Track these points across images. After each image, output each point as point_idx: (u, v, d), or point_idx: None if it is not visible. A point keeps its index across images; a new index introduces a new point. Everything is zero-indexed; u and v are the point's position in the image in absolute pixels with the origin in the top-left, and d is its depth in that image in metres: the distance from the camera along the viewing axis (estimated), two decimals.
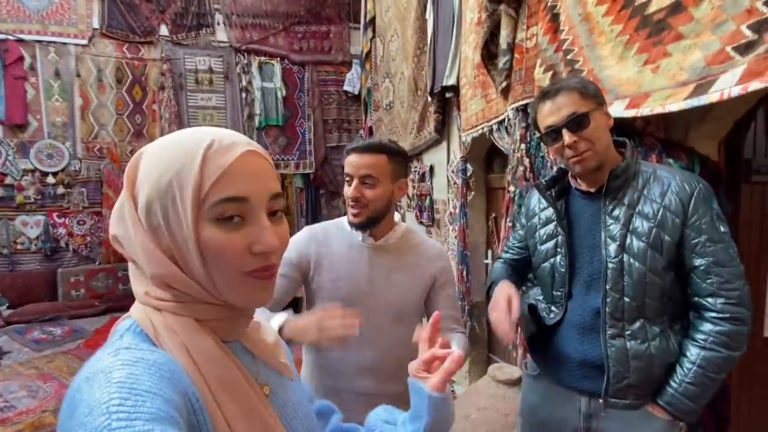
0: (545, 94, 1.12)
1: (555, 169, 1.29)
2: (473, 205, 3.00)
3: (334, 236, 1.23)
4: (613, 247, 1.08)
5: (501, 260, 1.42)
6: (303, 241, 1.22)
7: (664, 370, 1.07)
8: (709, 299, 1.03)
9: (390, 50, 4.18)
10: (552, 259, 1.20)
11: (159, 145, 0.51)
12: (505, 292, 1.16)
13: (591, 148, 1.07)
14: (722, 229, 1.04)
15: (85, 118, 5.15)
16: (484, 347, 3.15)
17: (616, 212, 1.10)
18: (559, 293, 1.19)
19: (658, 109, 1.29)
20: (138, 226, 0.49)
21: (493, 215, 3.00)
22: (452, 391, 3.12)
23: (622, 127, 1.58)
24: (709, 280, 1.02)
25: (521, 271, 1.38)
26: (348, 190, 1.16)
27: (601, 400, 1.10)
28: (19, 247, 5.03)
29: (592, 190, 1.15)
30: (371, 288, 1.19)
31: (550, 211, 1.22)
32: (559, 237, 1.18)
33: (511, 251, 1.40)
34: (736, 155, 1.55)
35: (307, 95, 5.83)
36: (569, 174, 1.21)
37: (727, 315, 1.01)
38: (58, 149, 5.09)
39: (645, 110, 1.34)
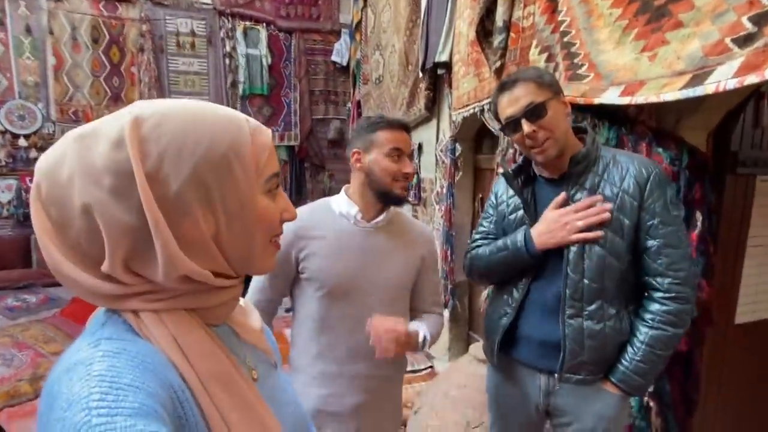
0: (503, 86, 1.15)
1: (520, 158, 1.30)
2: (460, 186, 2.99)
3: (322, 222, 1.19)
4: None
5: (476, 245, 1.37)
6: (289, 230, 1.16)
7: (616, 349, 1.13)
8: (658, 278, 1.09)
9: (381, 21, 4.06)
10: None
11: (178, 115, 0.46)
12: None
13: (550, 137, 1.10)
14: (674, 212, 1.10)
15: (58, 78, 4.90)
16: (465, 325, 3.21)
17: (578, 196, 1.14)
18: (524, 280, 1.22)
19: (652, 98, 1.29)
20: (164, 211, 0.44)
21: (480, 196, 3.01)
22: (431, 367, 3.20)
23: (615, 114, 1.57)
24: (659, 261, 1.08)
25: None
26: (399, 168, 1.15)
27: (556, 375, 1.16)
28: None
29: (555, 176, 1.19)
30: (364, 271, 1.17)
31: (518, 199, 1.25)
32: (527, 225, 1.21)
33: (484, 236, 1.37)
34: (723, 146, 1.56)
35: (293, 64, 5.65)
36: (533, 162, 1.23)
37: (673, 294, 1.07)
38: (30, 110, 4.86)
39: (639, 98, 1.33)
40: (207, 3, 5.24)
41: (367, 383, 1.19)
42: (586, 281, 1.11)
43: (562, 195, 1.14)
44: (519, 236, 1.20)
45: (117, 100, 5.10)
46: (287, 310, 1.60)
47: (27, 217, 4.98)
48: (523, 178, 1.25)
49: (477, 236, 1.39)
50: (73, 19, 4.87)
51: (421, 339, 1.16)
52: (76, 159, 0.44)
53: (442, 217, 3.00)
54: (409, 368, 3.18)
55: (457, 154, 2.90)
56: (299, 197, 5.65)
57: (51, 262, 0.45)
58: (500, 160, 2.16)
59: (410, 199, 3.62)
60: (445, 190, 2.95)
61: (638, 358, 1.09)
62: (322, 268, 1.15)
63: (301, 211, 1.23)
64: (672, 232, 1.08)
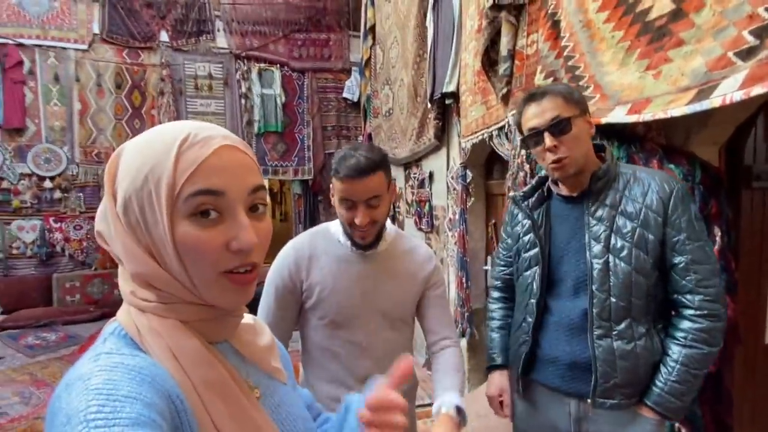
0: (531, 97, 1.15)
1: (535, 179, 1.30)
2: (473, 212, 3.00)
3: (320, 249, 1.18)
4: (598, 248, 1.11)
5: (496, 285, 1.43)
6: (290, 262, 1.16)
7: (649, 370, 1.09)
8: (688, 296, 1.06)
9: (390, 57, 4.20)
10: (536, 267, 1.21)
11: (137, 141, 0.50)
12: (496, 387, 1.34)
13: (570, 154, 1.10)
14: (699, 228, 1.08)
15: (83, 122, 5.14)
16: (483, 353, 3.13)
17: (599, 213, 1.12)
18: (533, 301, 1.21)
19: (659, 114, 1.30)
20: (117, 223, 0.48)
21: (493, 221, 3.00)
22: None
23: (623, 132, 1.58)
24: (688, 278, 1.05)
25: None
26: (352, 216, 1.07)
27: (589, 401, 1.12)
28: (14, 251, 4.99)
29: (574, 194, 1.18)
30: (363, 298, 1.16)
31: (529, 221, 1.24)
32: (539, 245, 1.20)
33: (503, 267, 1.40)
34: (736, 161, 1.55)
35: (306, 102, 5.85)
36: (550, 179, 1.23)
37: (705, 312, 1.04)
38: (55, 153, 5.07)
39: (647, 116, 1.34)
40: (224, 48, 5.51)
41: None
42: (613, 299, 1.08)
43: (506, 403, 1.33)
44: (491, 355, 1.37)
45: None
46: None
47: (50, 256, 5.10)
48: (536, 198, 1.24)
49: (500, 266, 1.40)
50: (99, 67, 5.16)
51: (455, 414, 1.03)
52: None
53: (455, 243, 2.99)
54: (428, 400, 3.09)
55: (468, 180, 2.92)
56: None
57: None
58: (511, 184, 2.17)
59: (423, 227, 3.63)
60: (457, 217, 2.96)
61: (673, 379, 1.05)
62: (324, 297, 1.14)
63: (303, 237, 1.22)
64: (699, 248, 1.06)
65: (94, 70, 5.14)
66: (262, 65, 5.63)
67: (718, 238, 1.43)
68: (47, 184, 5.06)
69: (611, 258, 1.09)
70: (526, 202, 1.24)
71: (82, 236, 5.23)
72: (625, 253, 1.08)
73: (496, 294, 1.43)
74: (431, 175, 3.49)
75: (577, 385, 1.14)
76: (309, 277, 1.15)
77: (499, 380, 1.35)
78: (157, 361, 0.46)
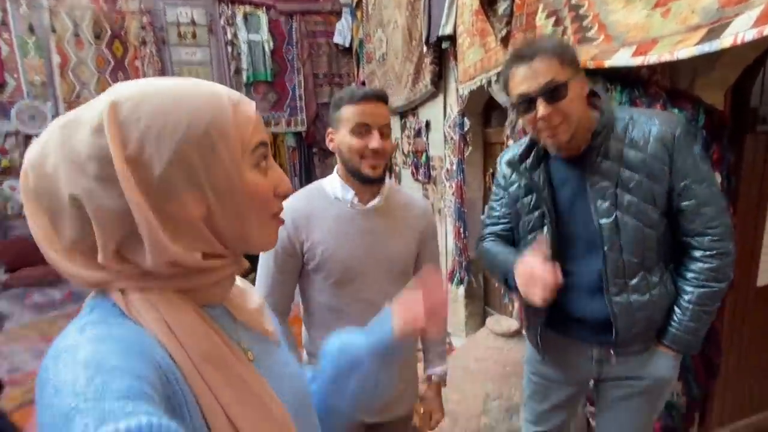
0: (520, 57, 1.03)
1: (526, 138, 1.21)
2: (470, 161, 2.96)
3: (319, 209, 1.16)
4: (604, 206, 1.07)
5: (489, 235, 1.32)
6: (288, 224, 1.12)
7: (665, 313, 1.12)
8: (697, 238, 1.06)
9: None
10: (538, 232, 1.17)
11: (156, 96, 0.45)
12: (531, 263, 1.06)
13: (565, 121, 1.02)
14: (704, 167, 1.06)
15: (64, 76, 4.93)
16: (481, 301, 3.22)
17: (603, 167, 1.07)
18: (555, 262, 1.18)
19: (666, 56, 1.24)
20: (148, 196, 0.43)
21: (491, 171, 2.97)
22: (449, 343, 3.22)
23: (627, 76, 1.52)
24: (697, 221, 1.05)
25: (512, 241, 1.31)
26: (365, 143, 1.07)
27: (612, 351, 1.16)
28: (9, 212, 4.96)
29: (574, 154, 1.10)
30: (368, 256, 1.15)
31: (527, 181, 1.17)
32: (544, 206, 1.15)
33: (497, 222, 1.32)
34: (742, 104, 1.51)
35: (295, 48, 5.59)
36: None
37: (714, 251, 1.05)
38: (39, 110, 4.90)
39: (653, 58, 1.28)
40: None
41: None
42: (625, 257, 1.07)
43: (541, 238, 1.12)
44: (509, 265, 1.12)
45: None
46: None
47: None
48: (533, 158, 1.16)
49: (488, 222, 1.33)
50: (75, 16, 4.87)
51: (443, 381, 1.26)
52: (59, 148, 0.43)
53: (453, 194, 2.97)
54: None
55: (465, 129, 2.85)
56: (308, 182, 5.64)
57: (41, 249, 0.45)
58: (510, 133, 2.12)
59: (420, 177, 3.60)
60: (455, 167, 2.92)
61: (687, 318, 1.08)
62: (328, 258, 1.13)
63: (297, 197, 1.18)
64: (705, 189, 1.04)
65: (70, 18, 4.86)
66: (247, 8, 5.32)
67: (718, 183, 1.42)
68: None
69: (619, 215, 1.06)
70: (522, 165, 1.17)
71: None
72: (633, 208, 1.05)
73: (489, 241, 1.33)
74: (428, 124, 3.41)
75: (599, 336, 1.16)
76: (309, 238, 1.13)
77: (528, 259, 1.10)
78: (147, 330, 0.44)
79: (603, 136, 1.06)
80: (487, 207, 1.37)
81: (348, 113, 1.08)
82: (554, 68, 0.99)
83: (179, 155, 0.44)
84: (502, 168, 1.28)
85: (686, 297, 1.08)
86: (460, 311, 3.20)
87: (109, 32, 5.00)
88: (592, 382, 1.31)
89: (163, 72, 5.09)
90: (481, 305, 3.22)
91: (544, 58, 1.00)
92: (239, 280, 0.60)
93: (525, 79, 1.01)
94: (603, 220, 1.07)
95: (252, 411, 0.48)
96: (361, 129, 1.08)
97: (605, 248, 1.08)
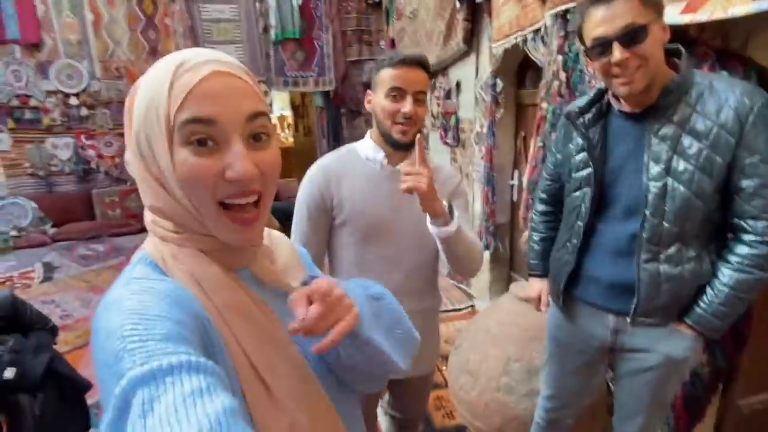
0: None
1: (593, 90, 1.17)
2: (502, 124, 2.88)
3: (349, 167, 1.19)
4: (656, 170, 1.02)
5: (543, 196, 1.40)
6: (319, 180, 1.18)
7: (693, 291, 1.07)
8: (750, 221, 0.99)
9: None
10: (586, 189, 1.15)
11: (147, 73, 0.51)
12: (536, 290, 1.43)
13: (642, 67, 0.95)
14: None
15: (98, 34, 5.00)
16: (506, 266, 3.22)
17: (663, 131, 1.01)
18: (579, 224, 1.18)
19: (718, 14, 1.15)
20: (133, 155, 0.51)
21: (522, 134, 2.89)
22: (473, 306, 3.27)
23: (673, 34, 1.43)
24: (754, 202, 0.97)
25: (561, 199, 1.33)
26: (398, 107, 1.09)
27: (628, 319, 1.13)
28: (53, 169, 5.21)
29: (638, 110, 1.05)
30: (394, 215, 1.18)
31: (583, 138, 1.15)
32: (592, 166, 1.13)
33: (551, 182, 1.37)
34: None
35: (324, 4, 5.44)
36: (609, 92, 1.11)
37: (766, 238, 0.98)
38: (76, 69, 5.03)
39: (704, 15, 1.20)
40: None
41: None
42: (666, 224, 1.03)
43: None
44: (533, 265, 1.43)
45: (155, 54, 5.17)
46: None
47: (87, 173, 5.31)
48: (592, 113, 1.12)
49: (546, 181, 1.38)
50: None
51: (447, 207, 1.09)
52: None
53: (482, 158, 2.93)
54: (450, 307, 3.28)
55: (498, 90, 2.76)
56: (336, 143, 5.66)
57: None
58: (544, 94, 2.04)
59: (448, 140, 3.54)
60: (485, 130, 2.86)
61: (719, 301, 1.03)
62: (355, 212, 1.17)
63: (329, 157, 1.24)
64: None
65: None
66: None
67: None
68: (73, 101, 5.09)
69: (670, 181, 1.01)
70: (581, 119, 1.13)
71: (114, 152, 5.38)
72: (686, 176, 0.99)
73: (541, 207, 1.41)
74: (458, 85, 3.32)
75: (617, 303, 1.15)
76: (339, 192, 1.17)
77: (538, 284, 1.42)
78: (183, 286, 0.50)
79: (673, 97, 0.99)
80: (543, 165, 1.41)
81: (385, 76, 1.11)
82: (634, 9, 0.92)
83: (137, 131, 0.50)
84: (562, 122, 1.27)
85: (723, 279, 1.02)
86: (485, 275, 3.22)
87: None
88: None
89: (192, 29, 5.08)
90: (506, 270, 3.23)
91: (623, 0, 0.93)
92: (268, 238, 0.62)
93: (603, 21, 0.95)
94: (652, 184, 1.03)
95: (274, 360, 0.52)
96: (395, 93, 1.10)
97: (647, 212, 1.04)
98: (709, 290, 1.05)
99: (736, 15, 1.10)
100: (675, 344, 1.12)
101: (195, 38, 5.08)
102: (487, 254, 3.12)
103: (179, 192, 0.49)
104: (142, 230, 4.16)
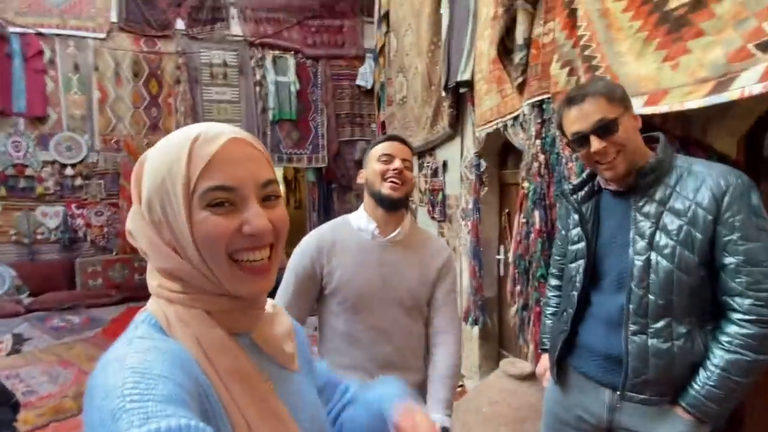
0: (571, 100, 1.11)
1: (586, 172, 1.27)
2: (486, 201, 3.00)
3: (342, 237, 1.24)
4: (641, 245, 1.08)
5: (553, 271, 1.45)
6: (313, 248, 1.22)
7: (686, 370, 1.05)
8: (737, 299, 1.00)
9: (404, 45, 4.17)
10: (581, 261, 1.21)
11: (158, 145, 0.54)
12: (544, 367, 1.38)
13: (621, 153, 1.07)
14: (759, 225, 0.99)
15: (103, 111, 5.24)
16: (495, 342, 3.16)
17: (646, 209, 1.09)
18: (574, 293, 1.22)
19: (676, 106, 1.29)
20: (143, 222, 0.53)
21: (506, 211, 3.00)
22: (462, 385, 3.15)
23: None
24: (738, 279, 0.99)
25: None
26: (387, 167, 1.20)
27: (618, 393, 1.13)
28: (39, 237, 5.17)
29: (622, 189, 1.14)
30: (384, 285, 1.20)
31: (577, 215, 1.24)
32: (585, 240, 1.20)
33: (559, 257, 1.42)
34: (755, 153, 1.53)
35: (320, 89, 5.85)
36: (598, 175, 1.20)
37: (754, 317, 0.98)
38: (76, 142, 5.19)
39: (663, 107, 1.33)
40: (239, 35, 5.53)
41: None
42: (651, 297, 1.06)
43: (544, 370, 1.36)
44: (544, 341, 1.40)
45: (155, 129, 5.40)
46: (315, 329, 1.63)
47: (72, 241, 5.27)
48: (585, 191, 1.23)
49: (556, 256, 1.42)
50: (116, 56, 5.23)
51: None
52: None
53: (468, 232, 3.00)
54: None
55: (482, 169, 2.91)
56: (326, 217, 5.76)
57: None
58: (525, 174, 2.16)
59: (436, 215, 3.64)
60: (471, 206, 2.96)
61: (711, 383, 1.01)
62: (345, 282, 1.19)
63: (325, 227, 1.29)
64: (756, 248, 0.98)
65: (113, 58, 5.22)
66: (277, 53, 5.65)
67: None
68: (68, 171, 5.20)
69: (653, 255, 1.06)
70: (575, 196, 1.23)
71: (103, 222, 5.38)
72: (668, 250, 1.04)
73: (553, 282, 1.45)
74: (445, 164, 3.49)
75: (611, 376, 1.14)
76: (330, 262, 1.20)
77: (547, 360, 1.39)
78: (184, 348, 0.49)
79: (652, 178, 1.08)
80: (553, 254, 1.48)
81: (376, 150, 1.24)
82: (603, 107, 1.06)
83: (148, 198, 0.52)
84: (561, 202, 1.39)
85: (714, 360, 1.01)
86: (474, 352, 3.14)
87: (147, 71, 5.34)
88: None
89: (194, 108, 5.37)
90: (495, 347, 3.16)
91: (592, 99, 1.07)
92: (269, 304, 0.63)
93: (577, 120, 1.09)
94: (636, 257, 1.08)
95: (274, 426, 0.51)
96: (385, 158, 1.22)
97: (632, 284, 1.08)
98: (702, 371, 1.03)
99: (691, 107, 1.23)
100: (672, 427, 1.08)
101: (195, 116, 5.35)
102: (475, 330, 3.07)
103: (195, 253, 0.50)
104: (123, 301, 4.04)
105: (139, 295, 4.57)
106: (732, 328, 1.00)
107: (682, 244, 1.03)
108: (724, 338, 1.01)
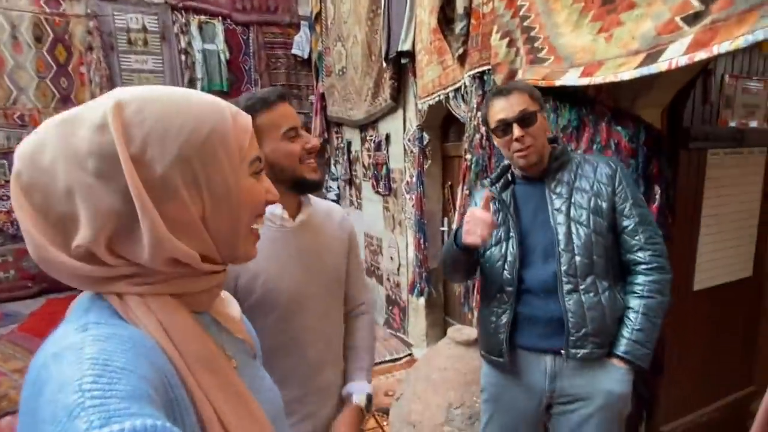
0: (499, 92, 1.27)
1: (500, 167, 1.41)
2: (430, 174, 3.02)
3: None
4: (560, 217, 1.25)
5: None
6: None
7: (614, 323, 1.21)
8: (639, 253, 1.21)
9: (342, 12, 4.01)
10: (504, 243, 1.31)
11: (159, 100, 0.46)
12: (474, 211, 1.22)
13: (533, 144, 1.23)
14: (640, 197, 1.27)
15: (0, 81, 4.60)
16: (441, 311, 3.26)
17: (558, 189, 1.27)
18: (509, 271, 1.28)
19: (610, 77, 1.33)
20: (152, 195, 0.44)
21: (449, 183, 3.05)
22: (410, 354, 3.24)
23: (575, 95, 1.62)
24: (637, 237, 1.21)
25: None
26: (302, 143, 0.99)
27: (563, 352, 1.22)
28: None
29: (535, 176, 1.30)
30: (309, 276, 1.04)
31: (498, 203, 1.34)
32: (510, 222, 1.30)
33: None
34: (676, 123, 1.64)
35: (252, 59, 5.51)
36: (512, 167, 1.35)
37: (655, 265, 1.20)
38: None
39: (598, 78, 1.38)
40: None
41: (336, 389, 1.11)
42: (577, 257, 1.21)
43: (487, 193, 1.23)
44: (454, 233, 1.31)
45: (66, 102, 4.83)
46: None
47: None
48: (502, 183, 1.36)
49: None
50: (12, 17, 4.57)
51: (364, 404, 1.07)
52: (58, 144, 0.44)
53: (413, 206, 3.02)
54: (388, 357, 3.22)
55: (425, 142, 2.92)
56: None
57: (34, 247, 0.45)
58: (467, 146, 2.19)
59: (380, 190, 3.63)
60: (414, 179, 2.97)
61: (638, 327, 1.18)
62: (271, 289, 0.98)
63: None
64: (643, 212, 1.23)
65: (7, 20, 4.55)
66: (203, 17, 5.21)
67: (657, 196, 1.53)
68: None
69: (572, 224, 1.23)
70: (494, 186, 1.36)
71: (11, 207, 4.81)
72: (584, 219, 1.22)
73: None
74: (388, 138, 3.46)
75: (553, 340, 1.23)
76: (245, 268, 0.96)
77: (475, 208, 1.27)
78: (147, 334, 0.45)
79: (560, 163, 1.29)
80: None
81: (270, 120, 0.97)
82: (526, 101, 1.23)
83: (181, 158, 0.46)
84: (476, 195, 1.46)
85: (634, 308, 1.20)
86: (421, 322, 3.23)
87: (52, 36, 4.73)
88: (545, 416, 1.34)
89: (111, 78, 4.87)
90: (441, 316, 3.26)
91: (518, 93, 1.24)
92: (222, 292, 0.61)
93: (503, 109, 1.24)
94: (559, 227, 1.24)
95: (240, 414, 0.49)
96: (293, 133, 0.99)
97: (560, 248, 1.23)
98: (626, 320, 1.21)
99: (624, 79, 1.28)
100: (612, 378, 1.21)
101: (113, 87, 4.73)
102: (421, 300, 3.14)
103: (230, 217, 0.50)
104: (41, 293, 3.68)
105: (60, 286, 4.17)
106: (640, 278, 1.21)
107: (594, 212, 1.23)
108: (636, 287, 1.21)
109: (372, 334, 1.23)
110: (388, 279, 3.72)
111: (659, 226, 1.53)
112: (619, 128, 1.53)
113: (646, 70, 1.22)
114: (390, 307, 3.74)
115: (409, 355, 3.26)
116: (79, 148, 0.43)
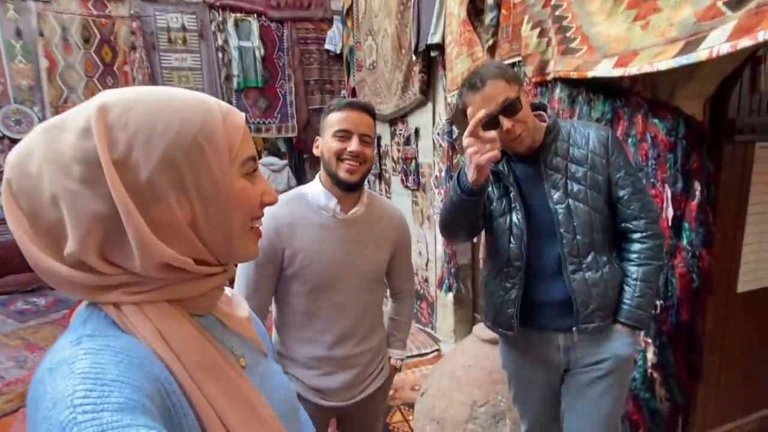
0: (472, 86, 1.16)
1: None
2: (459, 168, 2.97)
3: (301, 216, 1.17)
4: (558, 195, 1.21)
5: None
6: (270, 231, 1.13)
7: (616, 292, 1.24)
8: (634, 222, 1.22)
9: (372, 6, 4.00)
10: (508, 215, 1.27)
11: (144, 102, 0.45)
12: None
13: (525, 130, 1.18)
14: (632, 165, 1.26)
15: (52, 81, 4.88)
16: (469, 307, 3.23)
17: (554, 163, 1.22)
18: (517, 250, 1.25)
19: (646, 67, 1.27)
20: (134, 199, 0.43)
21: None
22: (438, 350, 3.23)
23: (609, 86, 1.55)
24: (632, 206, 1.21)
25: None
26: (344, 147, 1.12)
27: (574, 328, 1.24)
28: None
29: (531, 153, 1.24)
30: (345, 263, 1.19)
31: (493, 174, 1.27)
32: (512, 192, 1.25)
33: None
34: (720, 114, 1.54)
35: (286, 54, 5.60)
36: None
37: (650, 232, 1.22)
38: (26, 115, 4.85)
39: (633, 69, 1.32)
40: None
41: (354, 361, 1.25)
42: (578, 237, 1.20)
43: (482, 112, 1.06)
44: (457, 177, 1.18)
45: None
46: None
47: None
48: (502, 162, 1.30)
49: None
50: (63, 20, 4.83)
51: (399, 365, 1.39)
52: (44, 150, 0.43)
53: (441, 200, 2.99)
54: (415, 352, 3.22)
55: (454, 136, 2.88)
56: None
57: (28, 255, 0.44)
58: None
59: (409, 184, 3.61)
60: (443, 174, 2.94)
61: (637, 294, 1.21)
62: (307, 265, 1.15)
63: (278, 205, 1.13)
64: (637, 181, 1.23)
65: (59, 23, 4.82)
66: (238, 15, 5.33)
67: (698, 192, 1.45)
68: None
69: (571, 201, 1.21)
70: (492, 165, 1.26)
71: None
72: (582, 195, 1.20)
73: None
74: (417, 132, 3.43)
75: (563, 320, 1.25)
76: (292, 244, 1.15)
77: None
78: (143, 342, 0.44)
79: (552, 137, 1.23)
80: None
81: (332, 119, 1.15)
82: (505, 88, 1.14)
83: (167, 160, 0.44)
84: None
85: (633, 275, 1.22)
86: (449, 318, 3.20)
87: (99, 37, 4.97)
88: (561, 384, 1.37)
89: (152, 77, 5.07)
90: (469, 312, 3.23)
91: (493, 83, 1.13)
92: (227, 290, 0.60)
93: (483, 103, 1.14)
94: (558, 206, 1.21)
95: (246, 418, 0.48)
96: (342, 134, 1.13)
97: (561, 230, 1.21)
98: (626, 288, 1.23)
99: (660, 69, 1.21)
100: (619, 343, 1.24)
101: (155, 85, 5.05)
102: (450, 296, 3.11)
103: (223, 218, 0.49)
104: None
105: None
106: (636, 246, 1.23)
107: (591, 187, 1.20)
108: (633, 255, 1.23)
109: (409, 313, 1.47)
110: (417, 274, 3.71)
111: (699, 224, 1.45)
112: (656, 121, 1.46)
113: (684, 60, 1.16)
114: (418, 302, 3.74)
115: (437, 350, 3.25)
116: (64, 154, 0.42)
